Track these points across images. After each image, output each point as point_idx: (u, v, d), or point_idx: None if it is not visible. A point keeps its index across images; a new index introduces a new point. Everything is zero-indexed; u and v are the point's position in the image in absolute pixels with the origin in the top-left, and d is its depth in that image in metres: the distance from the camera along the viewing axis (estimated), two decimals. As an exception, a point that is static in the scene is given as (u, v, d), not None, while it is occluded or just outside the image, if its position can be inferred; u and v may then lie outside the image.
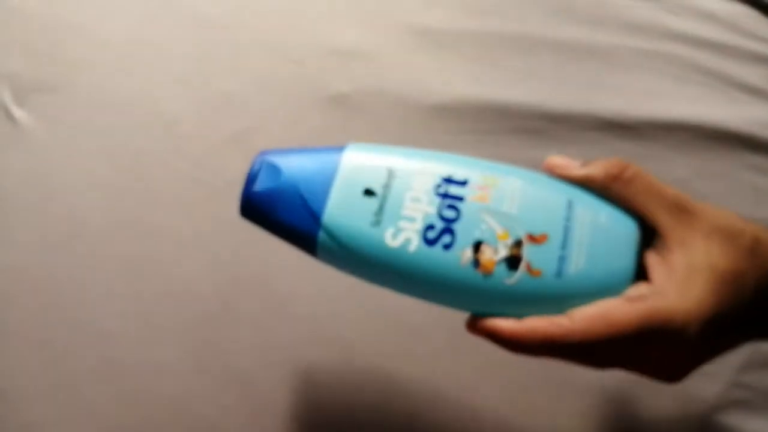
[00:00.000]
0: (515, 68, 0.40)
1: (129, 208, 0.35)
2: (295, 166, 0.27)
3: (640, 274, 0.25)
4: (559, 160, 0.26)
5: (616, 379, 0.33)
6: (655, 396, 0.33)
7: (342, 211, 0.25)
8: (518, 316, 0.24)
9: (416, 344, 0.33)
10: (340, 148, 0.27)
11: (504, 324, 0.24)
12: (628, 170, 0.25)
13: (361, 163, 0.26)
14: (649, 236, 0.25)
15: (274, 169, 0.27)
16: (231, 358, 0.32)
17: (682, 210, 0.24)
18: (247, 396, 0.31)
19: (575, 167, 0.25)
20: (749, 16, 0.43)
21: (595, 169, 0.25)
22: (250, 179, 0.27)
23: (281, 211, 0.26)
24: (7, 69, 0.38)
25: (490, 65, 0.40)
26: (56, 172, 0.36)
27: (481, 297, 0.25)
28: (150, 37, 0.40)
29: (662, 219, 0.24)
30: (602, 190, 0.25)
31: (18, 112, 0.37)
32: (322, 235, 0.26)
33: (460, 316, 0.32)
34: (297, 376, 0.32)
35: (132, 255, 0.34)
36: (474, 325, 0.25)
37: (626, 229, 0.26)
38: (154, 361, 0.32)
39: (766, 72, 0.41)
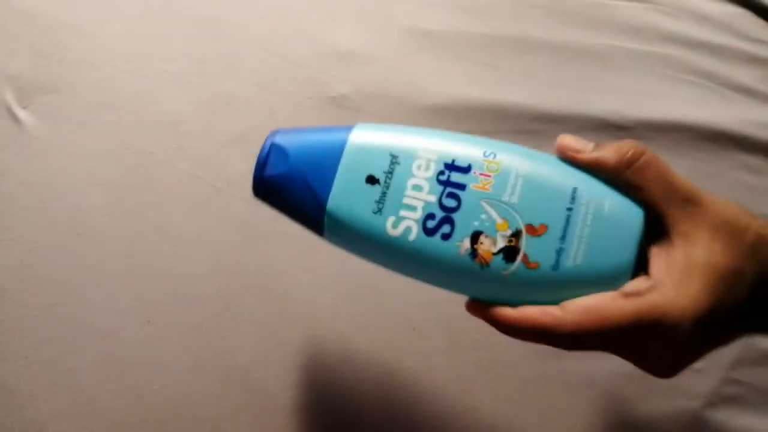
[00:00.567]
0: (513, 70, 0.40)
1: (131, 207, 0.35)
2: (303, 149, 0.27)
3: (642, 264, 0.24)
4: (570, 141, 0.25)
5: (609, 376, 0.33)
6: (648, 392, 0.34)
7: (345, 198, 0.26)
8: (513, 303, 0.24)
9: (415, 341, 0.33)
10: (347, 129, 0.27)
11: (500, 310, 0.24)
12: (642, 156, 0.23)
13: (365, 147, 0.26)
14: (653, 224, 0.24)
15: (283, 153, 0.27)
16: (232, 356, 0.32)
17: (691, 203, 0.23)
18: (248, 393, 0.32)
19: (587, 150, 0.24)
20: (743, 17, 0.44)
21: (607, 152, 0.24)
22: (260, 162, 0.27)
23: (289, 196, 0.26)
24: (10, 70, 0.38)
25: (489, 67, 0.40)
26: (59, 172, 0.36)
27: (478, 285, 0.25)
28: (152, 39, 0.40)
29: (670, 211, 0.23)
30: (613, 174, 0.24)
31: (21, 113, 0.37)
32: (327, 221, 0.26)
33: (458, 315, 0.33)
34: (297, 373, 0.32)
35: (134, 254, 0.34)
36: (472, 307, 0.25)
37: (630, 219, 0.25)
38: (155, 360, 0.32)
39: (760, 73, 0.41)
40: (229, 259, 0.34)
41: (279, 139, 0.27)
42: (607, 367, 0.33)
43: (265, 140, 0.27)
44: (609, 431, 0.33)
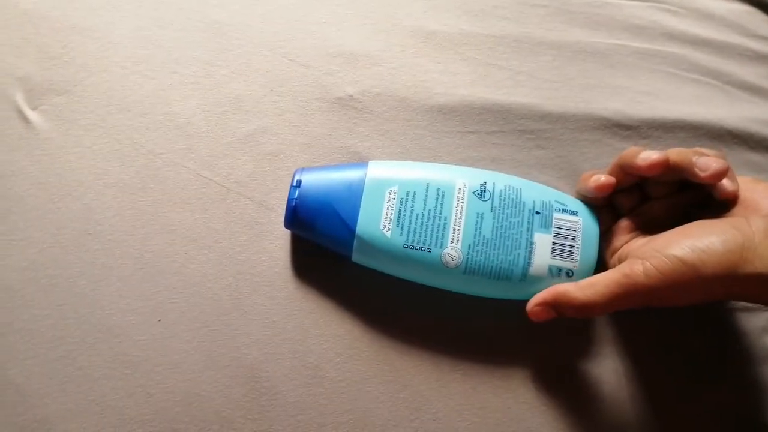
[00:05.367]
0: (516, 70, 0.40)
1: (141, 207, 0.36)
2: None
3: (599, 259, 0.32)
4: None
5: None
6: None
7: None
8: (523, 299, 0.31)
9: (422, 337, 0.33)
10: (363, 165, 0.32)
11: (579, 293, 0.28)
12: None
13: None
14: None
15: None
16: (241, 353, 0.32)
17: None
18: (256, 389, 0.32)
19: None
20: (748, 14, 0.44)
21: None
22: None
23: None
24: (20, 71, 0.39)
25: (493, 67, 0.40)
26: (69, 173, 0.36)
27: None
28: (161, 41, 0.40)
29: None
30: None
31: (31, 114, 0.37)
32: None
33: (465, 312, 0.33)
34: (305, 369, 0.32)
35: (144, 253, 0.34)
36: (539, 307, 0.30)
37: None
38: (165, 357, 0.32)
39: (765, 70, 0.42)
40: (238, 258, 0.35)
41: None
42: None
43: (293, 178, 0.32)
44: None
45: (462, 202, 0.31)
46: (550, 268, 0.30)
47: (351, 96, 0.39)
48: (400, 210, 0.31)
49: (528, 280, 0.30)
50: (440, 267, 0.30)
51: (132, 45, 0.40)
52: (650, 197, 0.32)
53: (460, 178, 0.32)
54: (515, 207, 0.31)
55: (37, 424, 0.31)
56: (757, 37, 0.43)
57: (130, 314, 0.33)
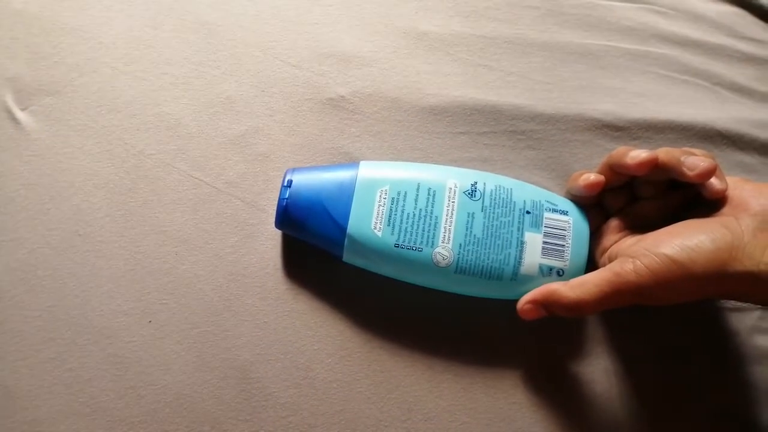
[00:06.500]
0: (507, 71, 0.40)
1: (131, 208, 0.35)
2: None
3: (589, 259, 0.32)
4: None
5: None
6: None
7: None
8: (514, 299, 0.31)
9: (413, 338, 0.33)
10: (354, 165, 0.32)
11: (570, 292, 0.28)
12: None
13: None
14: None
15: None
16: (232, 354, 0.32)
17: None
18: (247, 390, 0.32)
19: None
20: (738, 16, 0.44)
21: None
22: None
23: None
24: (10, 72, 0.39)
25: (485, 68, 0.40)
26: (60, 174, 0.36)
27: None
28: (152, 41, 0.40)
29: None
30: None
31: (21, 115, 0.37)
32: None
33: (456, 312, 0.33)
34: (296, 370, 0.32)
35: (135, 255, 0.34)
36: (530, 306, 0.30)
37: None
38: (157, 358, 0.32)
39: (754, 71, 0.42)
40: (229, 258, 0.34)
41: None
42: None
43: (284, 178, 0.32)
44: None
45: (453, 202, 0.31)
46: (541, 267, 0.31)
47: (342, 97, 0.39)
48: (391, 209, 0.31)
49: (519, 279, 0.31)
50: (431, 266, 0.30)
51: (123, 46, 0.40)
52: (639, 197, 0.33)
53: (450, 178, 0.32)
54: (506, 206, 0.31)
55: (27, 426, 0.31)
56: (746, 39, 0.43)
57: (121, 315, 0.33)
